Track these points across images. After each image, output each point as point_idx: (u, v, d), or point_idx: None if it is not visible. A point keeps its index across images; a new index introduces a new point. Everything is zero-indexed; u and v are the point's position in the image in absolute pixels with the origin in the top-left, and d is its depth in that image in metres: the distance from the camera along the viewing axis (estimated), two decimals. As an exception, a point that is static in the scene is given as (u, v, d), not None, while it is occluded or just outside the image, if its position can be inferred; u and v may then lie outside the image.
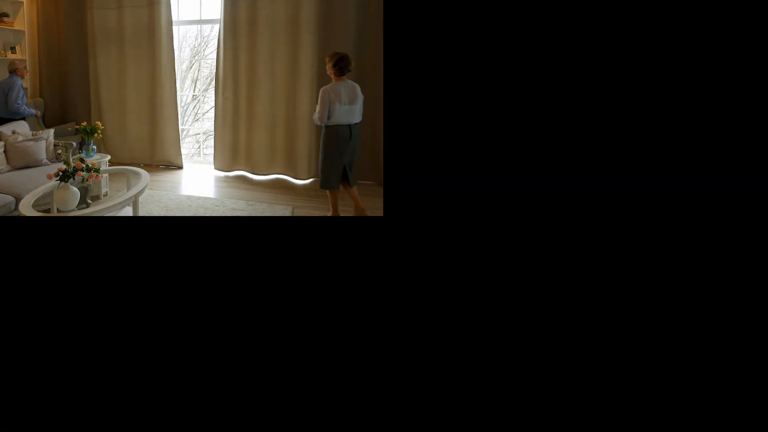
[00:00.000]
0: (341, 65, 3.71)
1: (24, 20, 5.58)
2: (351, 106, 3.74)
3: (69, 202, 3.60)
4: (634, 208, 2.15)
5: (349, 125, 3.76)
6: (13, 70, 4.90)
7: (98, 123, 4.81)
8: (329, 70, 3.78)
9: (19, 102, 4.71)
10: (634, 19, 2.26)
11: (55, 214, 3.65)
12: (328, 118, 3.71)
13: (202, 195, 4.97)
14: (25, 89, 5.50)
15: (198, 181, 5.53)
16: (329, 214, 4.06)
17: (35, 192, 3.73)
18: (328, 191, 3.91)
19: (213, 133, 5.84)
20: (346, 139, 3.76)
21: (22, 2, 5.56)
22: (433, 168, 2.42)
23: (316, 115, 3.78)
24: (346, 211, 4.41)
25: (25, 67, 5.01)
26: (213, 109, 5.81)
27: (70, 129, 5.41)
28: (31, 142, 4.69)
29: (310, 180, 5.39)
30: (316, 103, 3.79)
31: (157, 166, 5.90)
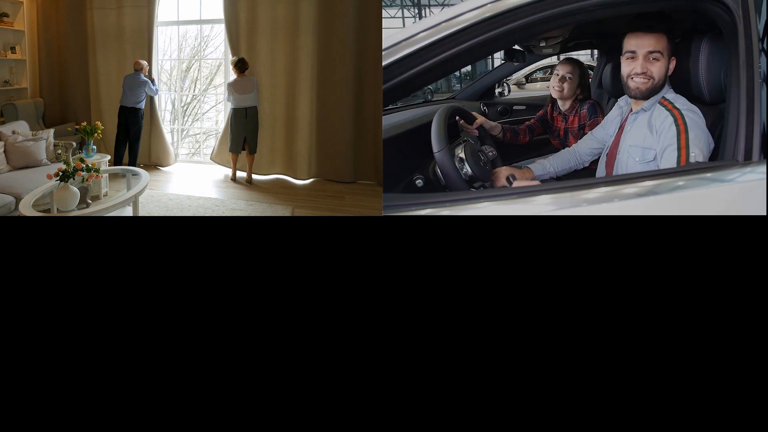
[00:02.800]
0: (238, 65, 5.24)
1: (24, 20, 5.58)
2: (245, 95, 5.21)
3: (69, 202, 3.59)
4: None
5: (245, 108, 5.23)
6: (139, 69, 5.36)
7: (98, 123, 4.80)
8: (233, 69, 5.29)
9: (153, 88, 5.48)
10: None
11: (55, 214, 3.65)
12: (233, 101, 5.24)
13: (202, 195, 4.97)
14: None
15: (198, 181, 5.53)
16: (230, 176, 5.46)
17: (35, 192, 3.73)
18: (230, 155, 5.42)
19: (213, 133, 5.84)
20: (243, 117, 5.24)
21: (22, 2, 5.55)
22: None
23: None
24: (347, 211, 4.42)
25: (149, 67, 5.55)
26: (213, 109, 5.82)
27: (70, 129, 5.41)
28: (31, 142, 4.69)
29: (310, 180, 5.39)
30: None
31: (156, 166, 5.90)
